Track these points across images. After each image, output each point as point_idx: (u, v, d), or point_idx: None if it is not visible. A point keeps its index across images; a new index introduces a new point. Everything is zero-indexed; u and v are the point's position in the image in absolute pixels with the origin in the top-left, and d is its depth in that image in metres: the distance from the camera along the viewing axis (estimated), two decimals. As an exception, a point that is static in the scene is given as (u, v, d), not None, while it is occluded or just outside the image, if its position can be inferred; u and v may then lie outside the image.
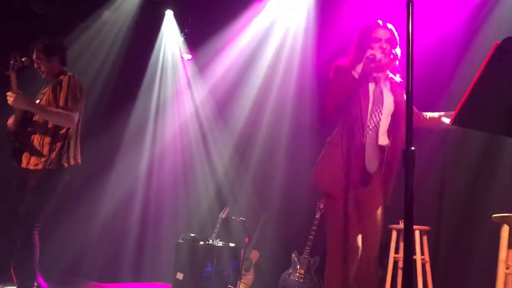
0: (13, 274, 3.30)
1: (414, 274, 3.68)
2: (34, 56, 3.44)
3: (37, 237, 3.25)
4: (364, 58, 2.73)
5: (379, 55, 2.76)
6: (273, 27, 5.63)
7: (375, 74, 2.82)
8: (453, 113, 1.93)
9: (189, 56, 6.25)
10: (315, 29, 5.24)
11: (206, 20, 5.70)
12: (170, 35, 6.29)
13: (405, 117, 1.86)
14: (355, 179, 2.75)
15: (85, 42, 5.54)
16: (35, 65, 3.46)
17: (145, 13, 5.97)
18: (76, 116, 3.32)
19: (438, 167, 4.23)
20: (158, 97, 6.23)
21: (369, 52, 2.75)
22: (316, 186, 2.90)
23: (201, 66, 6.09)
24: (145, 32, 6.09)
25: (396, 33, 2.85)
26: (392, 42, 2.81)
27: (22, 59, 3.34)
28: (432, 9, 4.13)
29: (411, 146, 1.87)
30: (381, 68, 2.83)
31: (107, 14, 5.89)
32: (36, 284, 3.23)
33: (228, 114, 5.88)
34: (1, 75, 3.34)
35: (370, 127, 2.76)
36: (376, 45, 2.79)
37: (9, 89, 3.26)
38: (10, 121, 3.40)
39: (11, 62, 3.24)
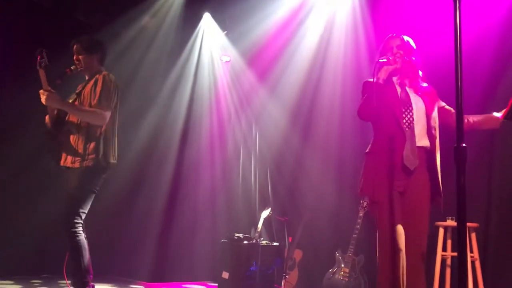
0: (64, 272, 3.44)
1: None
2: (74, 50, 3.53)
3: (80, 235, 3.32)
4: (379, 62, 2.89)
5: (390, 57, 2.91)
6: (315, 19, 5.54)
7: (394, 78, 2.95)
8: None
9: (228, 58, 6.30)
10: (361, 21, 5.18)
11: (245, 19, 5.70)
12: (208, 37, 6.37)
13: (456, 114, 1.84)
14: (399, 180, 2.78)
15: (124, 46, 5.68)
16: (74, 58, 3.53)
17: (183, 17, 6.07)
18: (107, 115, 3.37)
19: (485, 162, 4.14)
20: (196, 99, 6.31)
21: (382, 58, 2.91)
22: (363, 197, 3.01)
23: (242, 66, 6.13)
24: (183, 35, 6.19)
25: (411, 43, 3.01)
26: (403, 48, 2.96)
27: (71, 68, 3.45)
28: (469, 5, 4.04)
29: (462, 143, 1.85)
30: (397, 71, 2.94)
31: (146, 19, 6.02)
32: (89, 280, 3.33)
33: (271, 113, 5.88)
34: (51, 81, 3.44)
35: (405, 125, 2.83)
36: (389, 53, 2.95)
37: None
38: (47, 119, 3.50)
39: (37, 59, 3.26)
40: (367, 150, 2.96)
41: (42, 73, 3.28)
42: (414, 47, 3.02)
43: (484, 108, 3.92)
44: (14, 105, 5.20)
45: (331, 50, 5.40)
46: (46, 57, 3.30)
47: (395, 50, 2.94)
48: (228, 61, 6.33)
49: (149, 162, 5.92)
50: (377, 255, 2.86)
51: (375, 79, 2.83)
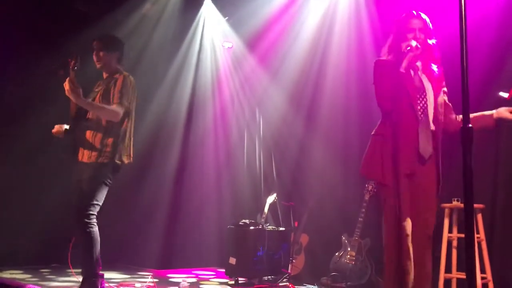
0: (69, 263, 3.47)
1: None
2: (94, 46, 3.61)
3: (94, 227, 3.36)
4: (404, 51, 2.78)
5: (414, 43, 2.79)
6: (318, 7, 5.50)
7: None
8: None
9: (230, 44, 6.27)
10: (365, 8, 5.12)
11: (246, 4, 5.65)
12: (209, 24, 6.33)
13: (461, 94, 1.83)
14: (409, 165, 2.75)
15: (126, 35, 5.65)
16: (94, 54, 3.61)
17: (184, 3, 6.03)
18: (120, 111, 3.43)
19: (491, 142, 4.12)
20: (198, 86, 6.29)
21: (404, 45, 2.80)
22: (366, 177, 2.97)
23: (243, 52, 6.10)
24: (184, 22, 6.16)
25: (430, 24, 2.88)
26: (426, 31, 2.86)
27: (74, 58, 3.45)
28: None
29: (468, 124, 1.84)
30: (417, 57, 2.85)
31: (147, 7, 5.98)
32: (98, 272, 3.37)
33: (274, 98, 5.86)
34: (52, 73, 3.46)
35: (420, 112, 2.80)
36: (411, 35, 2.84)
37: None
38: (56, 129, 3.54)
39: (71, 62, 3.32)
40: (373, 132, 2.92)
41: (72, 75, 3.33)
42: (431, 26, 2.89)
43: (489, 89, 3.91)
44: (18, 94, 5.21)
45: (334, 33, 5.35)
46: (79, 62, 3.36)
47: (418, 33, 2.83)
48: (230, 47, 6.29)
49: (154, 150, 5.94)
50: (384, 241, 2.84)
51: (405, 69, 2.75)
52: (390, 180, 2.76)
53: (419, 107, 2.79)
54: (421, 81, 2.85)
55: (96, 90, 3.61)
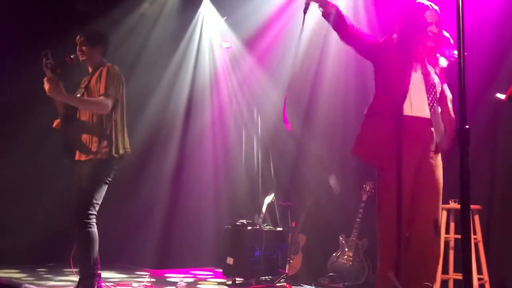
0: (71, 262, 3.48)
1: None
2: (77, 41, 3.57)
3: (93, 227, 3.35)
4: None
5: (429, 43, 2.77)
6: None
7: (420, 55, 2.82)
8: None
9: (228, 44, 6.27)
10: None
11: (244, 4, 5.65)
12: (207, 23, 6.33)
13: (459, 95, 1.83)
14: (418, 159, 2.71)
15: (124, 34, 5.66)
16: (77, 50, 3.57)
17: (182, 3, 6.03)
18: (110, 103, 3.40)
19: (488, 143, 4.13)
20: (196, 86, 6.29)
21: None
22: (361, 159, 2.88)
23: (242, 52, 6.10)
24: (183, 22, 6.16)
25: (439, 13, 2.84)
26: (439, 24, 2.81)
27: (71, 56, 3.45)
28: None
29: (466, 124, 1.85)
30: (430, 50, 2.83)
31: (145, 7, 5.99)
32: (96, 271, 3.36)
33: (272, 98, 5.86)
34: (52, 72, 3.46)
35: (431, 103, 2.76)
36: (428, 29, 2.78)
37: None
38: (56, 123, 3.55)
39: (43, 60, 3.31)
40: (366, 112, 2.80)
41: (48, 73, 3.32)
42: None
43: (487, 90, 3.91)
44: (18, 94, 5.22)
45: (333, 32, 5.31)
46: (51, 58, 3.35)
47: (434, 28, 2.75)
48: (229, 47, 6.30)
49: (152, 150, 5.94)
50: (379, 238, 2.80)
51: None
52: (391, 163, 2.63)
53: (430, 99, 2.74)
54: (429, 73, 2.80)
55: (83, 86, 3.57)
